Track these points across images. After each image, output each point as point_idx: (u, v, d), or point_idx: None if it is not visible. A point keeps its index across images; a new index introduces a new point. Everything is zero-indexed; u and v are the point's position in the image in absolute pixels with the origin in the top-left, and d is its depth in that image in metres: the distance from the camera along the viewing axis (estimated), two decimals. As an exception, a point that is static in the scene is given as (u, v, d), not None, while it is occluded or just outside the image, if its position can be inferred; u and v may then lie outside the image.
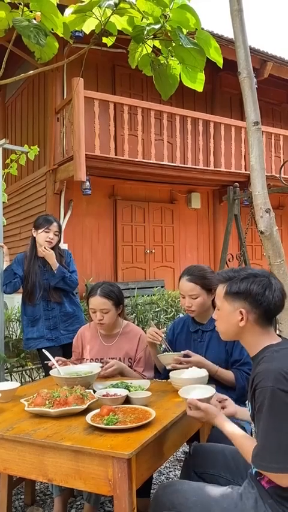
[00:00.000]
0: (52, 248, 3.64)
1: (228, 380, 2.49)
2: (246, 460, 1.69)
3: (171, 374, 2.37)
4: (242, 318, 1.69)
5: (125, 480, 1.59)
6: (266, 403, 1.49)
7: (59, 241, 3.75)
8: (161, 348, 2.78)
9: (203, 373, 2.31)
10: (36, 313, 3.67)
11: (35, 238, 3.68)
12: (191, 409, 1.79)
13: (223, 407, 2.00)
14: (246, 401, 1.77)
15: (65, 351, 3.54)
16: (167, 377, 2.55)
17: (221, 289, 1.77)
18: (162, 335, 2.61)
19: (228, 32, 9.64)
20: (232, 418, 2.00)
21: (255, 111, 2.42)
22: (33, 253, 3.68)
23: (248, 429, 2.48)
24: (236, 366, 2.53)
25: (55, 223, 3.67)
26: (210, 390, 1.95)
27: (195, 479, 1.94)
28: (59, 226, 3.73)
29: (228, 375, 2.50)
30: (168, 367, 2.52)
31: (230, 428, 1.71)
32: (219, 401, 2.00)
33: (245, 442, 1.65)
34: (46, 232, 3.61)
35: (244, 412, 2.00)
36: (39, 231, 3.62)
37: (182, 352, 2.52)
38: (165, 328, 2.81)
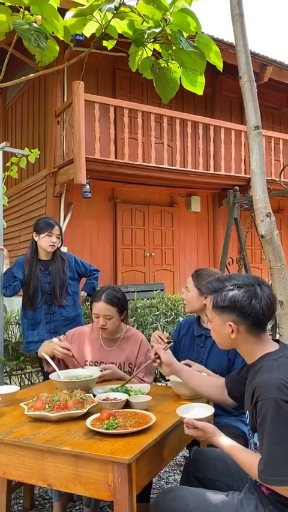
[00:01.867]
0: (54, 251, 3.65)
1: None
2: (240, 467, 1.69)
3: (171, 378, 2.36)
4: (233, 331, 1.68)
5: (125, 485, 1.58)
6: (270, 415, 1.47)
7: (61, 244, 3.75)
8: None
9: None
10: (37, 317, 3.66)
11: (36, 242, 3.66)
12: (188, 428, 1.76)
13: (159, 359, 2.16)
14: (245, 411, 1.75)
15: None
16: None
17: (208, 302, 1.77)
18: (165, 340, 2.60)
19: (228, 36, 9.68)
20: (223, 419, 1.99)
21: (256, 115, 2.43)
22: (35, 257, 3.67)
23: (246, 431, 2.49)
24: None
25: (57, 227, 3.66)
26: (209, 409, 1.92)
27: (195, 484, 1.93)
28: (60, 229, 3.72)
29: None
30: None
31: (229, 445, 1.68)
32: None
33: (246, 456, 1.62)
34: (49, 236, 3.60)
35: (188, 373, 2.09)
36: (42, 235, 3.60)
37: (183, 362, 2.50)
38: (169, 333, 2.83)
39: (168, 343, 2.48)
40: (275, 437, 1.47)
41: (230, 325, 1.68)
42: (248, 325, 1.67)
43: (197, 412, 1.86)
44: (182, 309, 5.87)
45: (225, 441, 1.70)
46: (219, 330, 1.73)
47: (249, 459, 1.59)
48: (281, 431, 1.46)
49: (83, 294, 4.01)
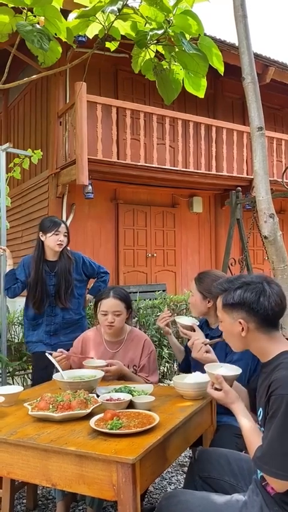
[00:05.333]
0: (61, 251, 3.56)
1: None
2: (250, 466, 1.69)
3: (174, 379, 2.38)
4: (243, 328, 1.69)
5: (130, 485, 1.59)
6: (281, 410, 1.48)
7: (68, 242, 3.64)
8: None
9: (206, 378, 2.31)
10: (38, 318, 3.60)
11: (42, 242, 3.56)
12: (212, 387, 1.80)
13: (208, 351, 2.17)
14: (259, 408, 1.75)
15: None
16: (186, 369, 2.75)
17: (219, 302, 1.78)
18: (169, 312, 2.83)
19: (230, 37, 9.68)
20: (224, 418, 1.99)
21: (259, 116, 2.44)
22: (41, 258, 3.56)
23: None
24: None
25: (63, 225, 3.57)
26: (235, 369, 1.95)
27: (199, 484, 1.94)
28: (67, 227, 3.62)
29: None
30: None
31: (244, 418, 1.71)
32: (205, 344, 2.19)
33: (254, 438, 1.64)
34: (56, 235, 3.49)
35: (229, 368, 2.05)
36: (49, 234, 3.50)
37: (190, 323, 2.64)
38: (167, 308, 2.98)
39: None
40: (280, 431, 1.47)
41: (240, 322, 1.68)
42: (258, 322, 1.67)
43: (224, 371, 1.90)
44: (185, 310, 5.89)
45: (241, 413, 1.73)
46: (230, 330, 1.74)
47: (255, 441, 1.62)
48: (286, 429, 1.47)
49: (89, 297, 3.88)
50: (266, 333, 1.69)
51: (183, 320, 2.70)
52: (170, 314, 2.84)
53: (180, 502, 1.71)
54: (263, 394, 1.64)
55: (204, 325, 2.76)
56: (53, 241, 3.49)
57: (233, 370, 1.97)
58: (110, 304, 2.73)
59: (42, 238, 3.54)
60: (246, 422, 1.71)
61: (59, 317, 3.57)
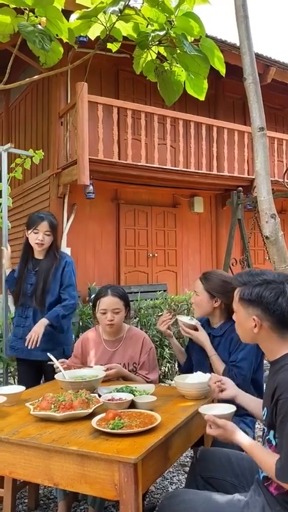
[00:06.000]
0: (48, 250, 3.25)
1: (218, 369, 2.53)
2: (251, 465, 1.69)
3: (175, 379, 2.39)
4: (256, 325, 1.67)
5: (131, 485, 1.59)
6: None
7: (55, 240, 3.30)
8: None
9: (208, 378, 2.31)
10: (14, 319, 3.36)
11: (27, 238, 3.29)
12: (210, 428, 1.75)
13: (222, 390, 2.01)
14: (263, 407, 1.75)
15: (38, 370, 3.27)
16: (188, 371, 2.69)
17: (236, 294, 1.76)
18: (169, 315, 2.80)
19: (231, 37, 9.68)
20: (243, 416, 1.98)
21: (261, 116, 2.44)
22: (25, 256, 3.32)
23: (251, 434, 2.49)
24: (230, 364, 2.54)
25: (45, 222, 3.19)
26: (229, 407, 1.90)
27: (201, 484, 1.94)
28: (52, 224, 3.23)
29: (220, 365, 2.53)
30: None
31: (249, 443, 1.67)
32: (216, 382, 2.02)
33: (265, 456, 1.61)
34: (35, 233, 3.19)
35: (246, 396, 2.00)
36: (29, 231, 3.23)
37: (194, 322, 2.64)
38: (167, 310, 2.93)
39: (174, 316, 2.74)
40: None
41: (253, 319, 1.67)
42: (272, 322, 1.66)
43: (218, 411, 1.85)
44: (186, 311, 5.88)
45: (245, 439, 1.69)
46: (242, 323, 1.73)
47: (267, 458, 1.58)
48: None
49: (44, 321, 3.12)
50: (279, 334, 1.67)
51: (186, 319, 2.70)
52: (170, 316, 2.82)
53: (182, 501, 1.72)
54: (269, 394, 1.63)
55: (205, 324, 2.75)
56: (32, 240, 3.22)
57: (227, 408, 1.90)
58: (108, 302, 2.74)
59: (26, 235, 3.29)
60: (251, 444, 1.67)
61: (29, 320, 3.22)
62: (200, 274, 2.78)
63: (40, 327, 3.07)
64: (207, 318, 2.78)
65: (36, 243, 3.20)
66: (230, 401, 1.99)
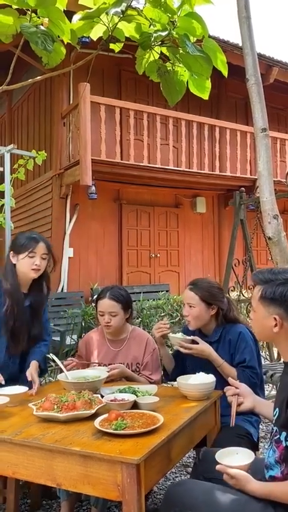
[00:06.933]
0: (38, 279, 2.68)
1: (231, 375, 2.49)
2: (254, 466, 1.69)
3: (178, 379, 2.37)
4: (276, 324, 1.65)
5: (134, 485, 1.59)
6: None
7: (49, 268, 2.73)
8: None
9: (210, 379, 2.31)
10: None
11: (14, 265, 2.62)
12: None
13: (240, 404, 1.96)
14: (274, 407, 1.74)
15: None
16: (175, 378, 2.58)
17: (256, 291, 1.73)
18: (167, 324, 2.67)
19: (234, 37, 9.67)
20: (228, 419, 1.97)
21: (263, 117, 2.44)
22: (17, 286, 2.63)
23: (255, 434, 2.49)
24: (240, 366, 2.52)
25: (42, 244, 2.62)
26: (247, 457, 1.75)
27: (204, 484, 1.94)
28: (48, 246, 2.67)
29: (232, 371, 2.49)
30: (175, 348, 2.61)
31: (266, 490, 1.61)
32: (234, 395, 1.97)
33: (283, 490, 1.56)
34: (31, 257, 2.58)
35: (263, 405, 1.97)
36: (21, 256, 2.58)
37: (190, 337, 2.56)
38: (166, 318, 2.85)
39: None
40: None
41: (274, 318, 1.64)
42: None
43: (235, 459, 1.75)
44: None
45: (260, 489, 1.62)
46: (262, 321, 1.70)
47: (286, 490, 1.55)
48: None
49: (35, 363, 2.61)
50: None
51: (180, 336, 2.59)
52: (168, 326, 2.69)
53: (188, 490, 1.72)
54: (283, 395, 1.61)
55: (198, 335, 2.67)
56: (26, 266, 2.59)
57: (245, 456, 1.76)
58: (105, 305, 2.75)
59: (13, 260, 2.62)
60: (268, 489, 1.61)
61: (16, 365, 2.71)
62: (188, 284, 2.69)
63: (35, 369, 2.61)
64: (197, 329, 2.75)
65: (33, 269, 2.60)
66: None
